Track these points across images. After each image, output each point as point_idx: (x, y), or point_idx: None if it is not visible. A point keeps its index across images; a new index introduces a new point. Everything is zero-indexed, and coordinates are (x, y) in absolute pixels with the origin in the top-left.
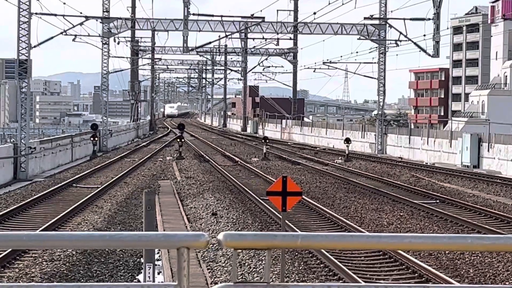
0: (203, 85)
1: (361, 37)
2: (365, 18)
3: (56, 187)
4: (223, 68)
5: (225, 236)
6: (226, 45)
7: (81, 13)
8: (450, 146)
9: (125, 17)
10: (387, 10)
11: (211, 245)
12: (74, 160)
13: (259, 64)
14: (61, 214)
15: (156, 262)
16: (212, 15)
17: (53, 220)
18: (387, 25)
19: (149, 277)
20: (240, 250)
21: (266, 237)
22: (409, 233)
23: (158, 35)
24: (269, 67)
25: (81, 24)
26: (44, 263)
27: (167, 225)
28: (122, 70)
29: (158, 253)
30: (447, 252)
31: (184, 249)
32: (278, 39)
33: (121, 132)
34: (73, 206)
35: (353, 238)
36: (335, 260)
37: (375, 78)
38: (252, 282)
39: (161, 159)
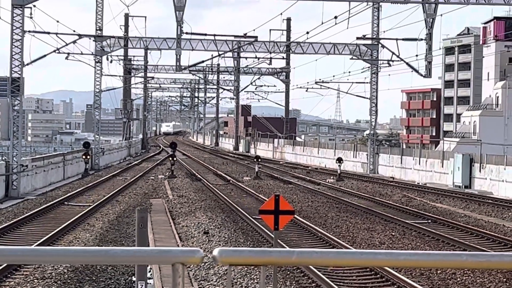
0: (196, 104)
1: (354, 57)
2: (357, 38)
3: (47, 205)
4: (215, 87)
5: (220, 252)
6: (218, 64)
7: (74, 31)
8: (442, 166)
9: (118, 36)
10: (380, 30)
11: (203, 263)
12: (66, 178)
13: (251, 83)
14: (53, 232)
15: (148, 281)
16: (205, 34)
17: (45, 238)
18: (380, 45)
19: None
20: (233, 267)
21: (261, 253)
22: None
23: (151, 54)
24: (261, 86)
25: (74, 42)
26: (36, 280)
27: (158, 244)
28: (115, 88)
29: (149, 271)
30: (439, 271)
31: (179, 265)
32: (270, 58)
33: (113, 150)
34: (65, 224)
35: (348, 254)
36: (327, 279)
37: (367, 98)
38: None
39: (153, 177)
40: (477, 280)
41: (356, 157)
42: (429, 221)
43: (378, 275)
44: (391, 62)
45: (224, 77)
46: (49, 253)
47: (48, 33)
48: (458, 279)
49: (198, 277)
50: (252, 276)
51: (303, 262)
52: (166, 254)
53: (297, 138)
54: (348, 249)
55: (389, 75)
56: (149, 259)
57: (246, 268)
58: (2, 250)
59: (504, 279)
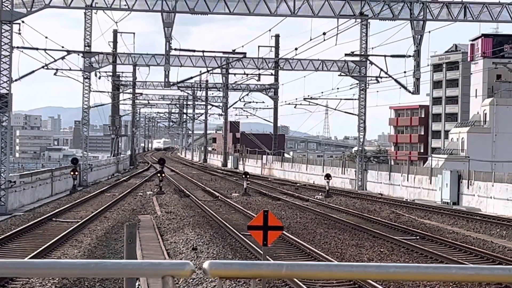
0: (184, 120)
1: (342, 74)
2: (346, 55)
3: (35, 221)
4: (204, 103)
5: (211, 264)
6: (207, 80)
7: (62, 47)
8: (430, 183)
9: (107, 52)
10: (368, 46)
11: (192, 279)
12: (54, 194)
13: (240, 99)
14: (41, 248)
15: None
16: (194, 51)
17: (33, 254)
18: (368, 61)
19: None
20: (224, 280)
21: (251, 266)
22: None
23: (139, 70)
24: (250, 102)
25: (62, 58)
26: None
27: (147, 260)
28: (103, 104)
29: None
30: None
31: (169, 277)
32: (259, 74)
33: (101, 166)
34: (53, 240)
35: (338, 267)
36: None
37: (355, 115)
38: None
39: (141, 193)
40: None
41: (344, 174)
42: (418, 237)
43: None
44: (379, 79)
45: (212, 93)
46: (38, 266)
47: (37, 49)
48: None
49: None
50: None
51: (293, 275)
52: (156, 267)
53: (286, 155)
54: None
55: (377, 91)
56: (139, 272)
57: (235, 284)
58: None
59: None
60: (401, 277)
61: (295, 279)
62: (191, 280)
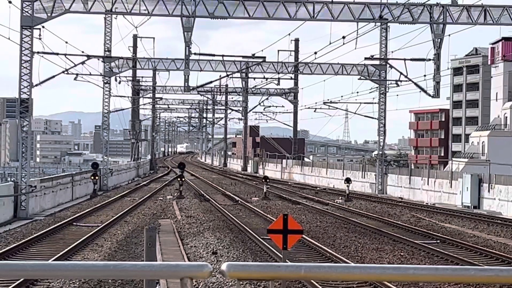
0: (204, 124)
1: (362, 77)
2: (365, 59)
3: (56, 225)
4: (223, 107)
5: (229, 266)
6: (227, 85)
7: (82, 52)
8: (451, 187)
9: (127, 57)
10: (388, 50)
11: (212, 283)
12: (74, 199)
13: (259, 103)
14: (61, 253)
15: None
16: (214, 55)
17: (53, 259)
18: (388, 65)
19: None
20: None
21: (270, 268)
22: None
23: (159, 75)
24: (269, 106)
25: (82, 63)
26: None
27: None
28: (123, 109)
29: None
30: None
31: (187, 279)
32: (279, 78)
33: (121, 171)
34: (73, 245)
35: (356, 269)
36: None
37: (375, 118)
38: None
39: (161, 198)
40: None
41: (364, 178)
42: (438, 241)
43: None
44: (399, 82)
45: (232, 98)
46: (58, 268)
47: (57, 54)
48: None
49: None
50: None
51: (311, 277)
52: (174, 269)
53: (305, 159)
54: None
55: (397, 95)
56: (157, 274)
57: (254, 287)
58: (11, 265)
59: None
60: (420, 278)
61: (314, 282)
62: (211, 284)
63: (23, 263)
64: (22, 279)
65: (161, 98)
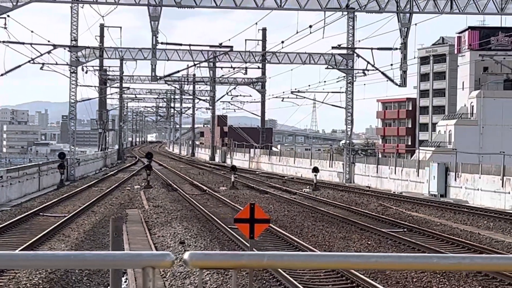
0: (171, 114)
1: (329, 67)
2: (333, 48)
3: (22, 215)
4: (191, 97)
5: (191, 255)
6: (194, 74)
7: (49, 41)
8: (418, 176)
9: (93, 46)
10: (355, 39)
11: (179, 273)
12: (41, 189)
13: (227, 93)
14: (28, 243)
15: None
16: (181, 44)
17: (20, 249)
18: (355, 54)
19: None
20: (206, 271)
21: (233, 257)
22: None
23: (126, 64)
24: (237, 96)
25: (49, 52)
26: None
27: None
28: (90, 99)
29: (125, 282)
30: (414, 280)
31: (149, 268)
32: (246, 68)
33: (89, 161)
34: (40, 235)
35: (320, 257)
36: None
37: (343, 108)
38: None
39: (129, 188)
40: None
41: (332, 167)
42: (405, 229)
43: (354, 284)
44: (366, 72)
45: (200, 87)
46: (20, 258)
47: (23, 43)
48: (434, 287)
49: (174, 286)
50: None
51: (274, 265)
52: (136, 258)
53: (273, 148)
54: None
55: (364, 84)
56: (119, 263)
57: (222, 277)
58: None
59: (480, 287)
60: (383, 266)
61: (282, 272)
62: (179, 273)
63: None
64: None
65: (128, 88)
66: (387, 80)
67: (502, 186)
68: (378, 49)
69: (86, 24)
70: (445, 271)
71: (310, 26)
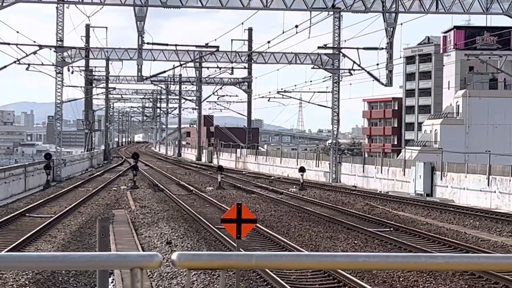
0: (158, 114)
1: (315, 66)
2: (319, 48)
3: (8, 216)
4: (177, 97)
5: (179, 256)
6: (180, 74)
7: (34, 42)
8: (404, 175)
9: (79, 46)
10: (341, 39)
11: (166, 273)
12: (27, 190)
13: (213, 93)
14: (14, 244)
15: None
16: (167, 44)
17: (6, 250)
18: (341, 54)
19: None
20: (193, 272)
21: (220, 257)
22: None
23: (112, 65)
24: (223, 96)
25: (34, 53)
26: None
27: None
28: (76, 99)
29: (112, 282)
30: (401, 279)
31: (137, 269)
32: (232, 68)
33: (75, 161)
34: (26, 236)
35: (307, 257)
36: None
37: (329, 107)
38: None
39: (115, 188)
40: None
41: (318, 166)
42: (391, 229)
43: (341, 283)
44: (352, 71)
45: (186, 87)
46: (5, 259)
47: (8, 43)
48: (420, 286)
49: (161, 287)
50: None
51: (262, 265)
52: (124, 259)
53: (260, 148)
54: None
55: (350, 84)
56: (107, 264)
57: (209, 277)
58: None
59: (466, 286)
60: (370, 266)
61: (270, 272)
62: (166, 274)
63: None
64: None
65: (114, 88)
66: (373, 80)
67: (488, 185)
68: (364, 48)
69: (72, 24)
70: (433, 271)
71: (296, 26)
